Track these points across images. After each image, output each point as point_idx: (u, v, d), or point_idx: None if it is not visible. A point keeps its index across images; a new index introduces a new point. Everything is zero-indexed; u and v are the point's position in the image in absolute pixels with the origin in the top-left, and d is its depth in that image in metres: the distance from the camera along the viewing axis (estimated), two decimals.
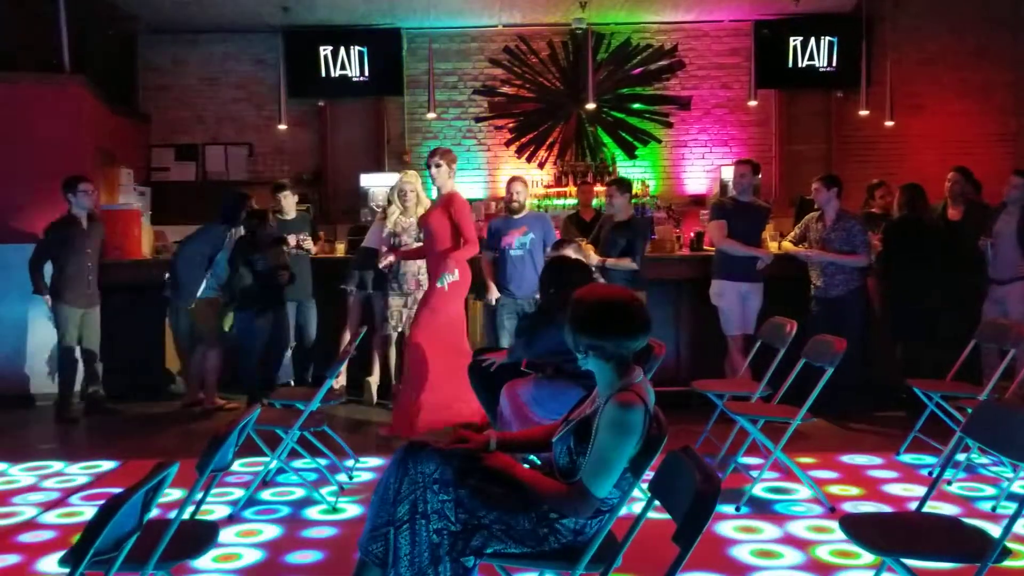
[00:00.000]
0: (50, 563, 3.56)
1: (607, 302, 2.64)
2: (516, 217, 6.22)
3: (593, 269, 4.81)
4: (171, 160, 10.01)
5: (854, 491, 4.47)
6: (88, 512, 4.20)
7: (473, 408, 5.19)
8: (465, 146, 10.18)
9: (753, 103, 9.65)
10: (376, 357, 6.66)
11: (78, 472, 4.93)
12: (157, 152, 9.97)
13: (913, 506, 4.13)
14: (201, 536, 2.60)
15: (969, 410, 3.40)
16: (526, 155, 9.94)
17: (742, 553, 3.64)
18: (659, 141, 9.97)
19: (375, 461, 5.05)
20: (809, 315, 5.94)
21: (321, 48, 9.82)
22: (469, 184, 10.09)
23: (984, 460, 4.71)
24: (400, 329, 6.37)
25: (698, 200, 9.84)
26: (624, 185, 6.40)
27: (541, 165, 9.90)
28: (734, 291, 6.14)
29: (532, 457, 3.13)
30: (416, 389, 5.48)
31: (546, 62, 9.90)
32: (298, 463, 4.70)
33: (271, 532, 3.92)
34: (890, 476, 4.71)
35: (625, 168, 9.78)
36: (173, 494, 3.99)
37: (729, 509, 4.12)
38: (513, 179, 6.39)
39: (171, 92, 10.07)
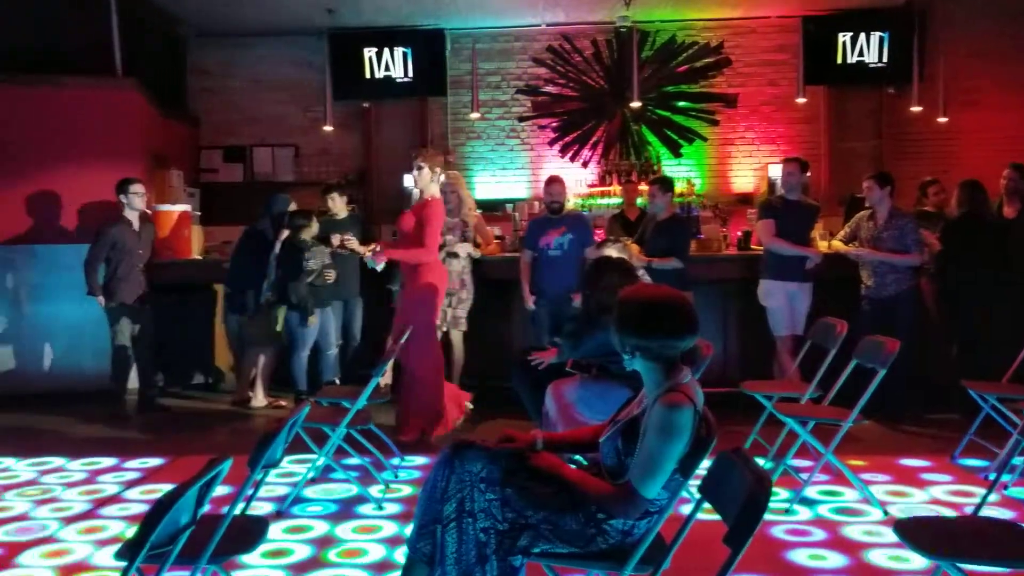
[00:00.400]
0: (104, 556, 3.64)
1: (654, 302, 2.61)
2: (555, 217, 6.20)
3: (639, 270, 4.76)
4: (219, 162, 10.15)
5: (907, 495, 4.39)
6: (141, 507, 4.29)
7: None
8: (508, 146, 10.18)
9: (801, 100, 9.49)
10: None
11: (131, 467, 5.02)
12: (206, 154, 10.12)
13: (969, 510, 4.05)
14: (252, 532, 2.63)
15: None
16: (570, 154, 9.90)
17: (793, 556, 3.60)
18: (705, 139, 9.87)
19: (420, 459, 5.08)
20: (859, 315, 5.83)
21: (365, 50, 9.87)
22: (512, 184, 10.10)
23: None
24: (444, 328, 6.39)
25: (745, 199, 9.71)
26: (666, 184, 6.36)
27: (585, 164, 9.86)
28: (783, 291, 6.05)
29: (578, 457, 3.12)
30: (416, 390, 5.56)
31: (590, 61, 9.85)
32: (344, 460, 4.73)
33: (319, 528, 3.96)
34: (944, 480, 4.61)
35: (670, 167, 9.70)
36: (223, 490, 4.05)
37: (779, 512, 4.07)
38: (551, 179, 6.38)
39: (219, 95, 10.21)
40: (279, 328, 6.55)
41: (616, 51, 9.75)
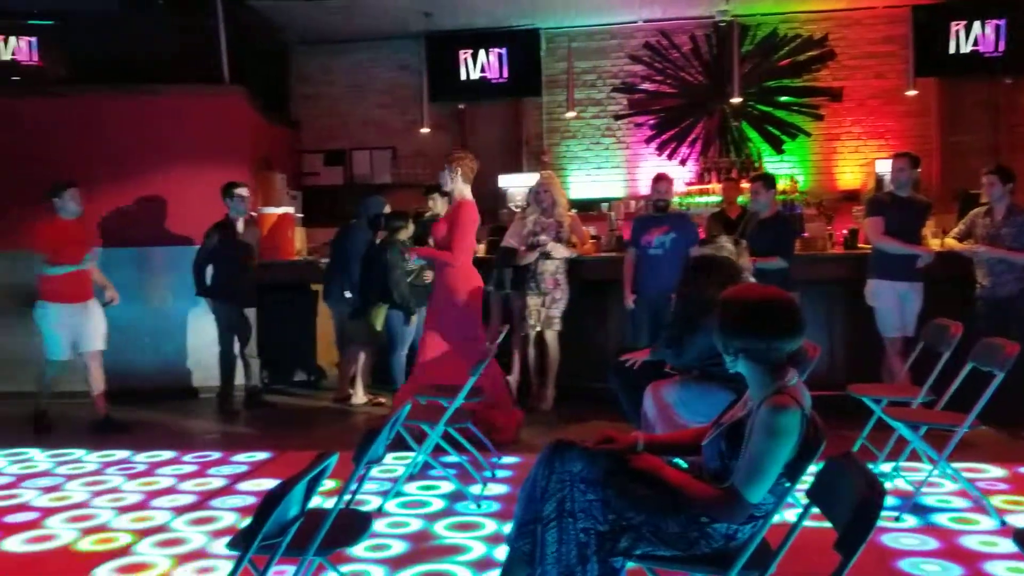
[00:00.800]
0: (217, 546, 3.77)
1: (760, 302, 2.55)
2: (659, 215, 6.12)
3: (747, 271, 4.63)
4: (320, 165, 10.43)
5: None
6: (249, 499, 4.43)
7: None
8: (604, 144, 10.12)
9: (911, 92, 9.12)
10: (516, 356, 6.70)
11: (238, 461, 5.20)
12: (307, 158, 10.41)
13: None
14: (357, 525, 2.68)
15: None
16: (667, 152, 9.77)
17: (905, 565, 3.46)
18: (808, 135, 9.59)
19: (517, 459, 5.09)
20: (973, 316, 5.55)
21: (461, 52, 9.97)
22: (607, 183, 10.03)
23: None
24: (538, 328, 6.39)
25: (851, 195, 9.39)
26: (769, 180, 6.20)
27: (683, 162, 9.71)
28: (892, 291, 5.82)
29: (678, 460, 3.06)
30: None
31: (688, 56, 9.70)
32: (443, 458, 4.78)
33: (417, 524, 4.01)
34: None
35: (772, 163, 9.47)
36: (327, 484, 4.14)
37: (889, 519, 3.92)
38: (658, 177, 6.30)
39: (320, 100, 10.48)
40: (379, 327, 6.68)
41: (715, 46, 9.59)
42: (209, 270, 6.59)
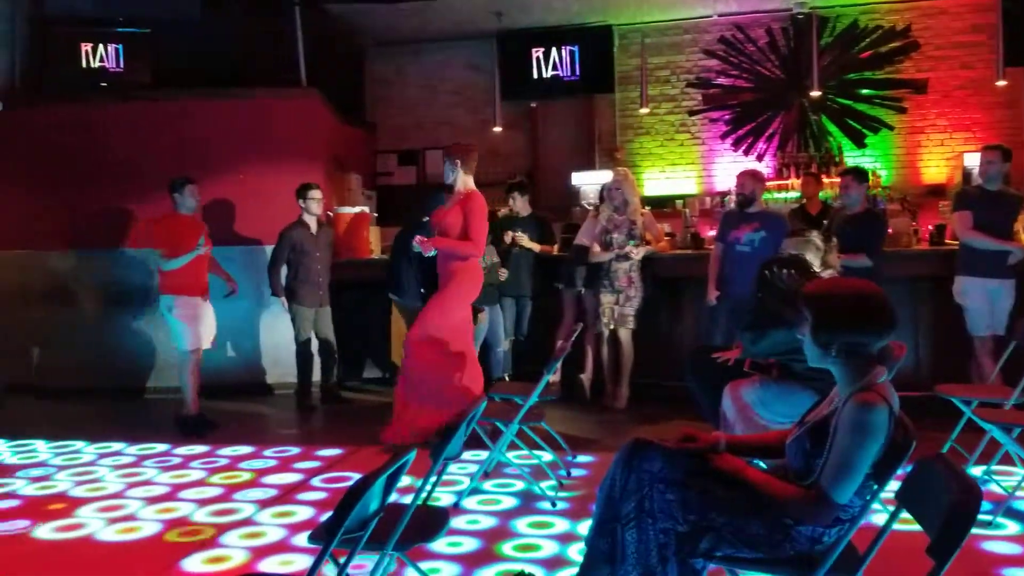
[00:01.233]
0: (298, 540, 3.83)
1: (854, 296, 2.50)
2: (750, 212, 5.96)
3: (828, 269, 4.51)
4: (394, 165, 10.56)
5: None
6: (327, 494, 4.50)
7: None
8: (678, 140, 10.00)
9: (1001, 83, 8.76)
10: (589, 355, 6.67)
11: (316, 456, 5.29)
12: (382, 158, 10.55)
13: None
14: (435, 521, 2.69)
15: None
16: (743, 148, 9.60)
17: (1002, 572, 3.32)
18: (891, 128, 9.30)
19: (591, 457, 5.06)
20: None
21: (533, 50, 9.97)
22: (682, 180, 9.91)
23: None
24: (612, 327, 6.35)
25: (936, 190, 9.08)
26: (861, 175, 6.01)
27: (760, 157, 9.53)
28: (981, 289, 5.59)
29: (758, 462, 3.00)
30: (413, 393, 5.35)
31: (765, 50, 9.51)
32: (516, 456, 4.78)
33: (491, 522, 4.01)
34: None
35: (853, 158, 9.21)
36: (403, 480, 4.18)
37: (982, 524, 3.77)
38: (744, 172, 6.13)
39: (394, 101, 10.61)
40: None
41: (793, 39, 9.39)
42: (284, 270, 6.72)
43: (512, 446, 4.63)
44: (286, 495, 4.52)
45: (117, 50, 8.39)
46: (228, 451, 5.42)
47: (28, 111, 7.73)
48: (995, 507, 3.95)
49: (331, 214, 7.40)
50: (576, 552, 3.57)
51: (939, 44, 9.30)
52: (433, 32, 9.91)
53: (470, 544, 3.73)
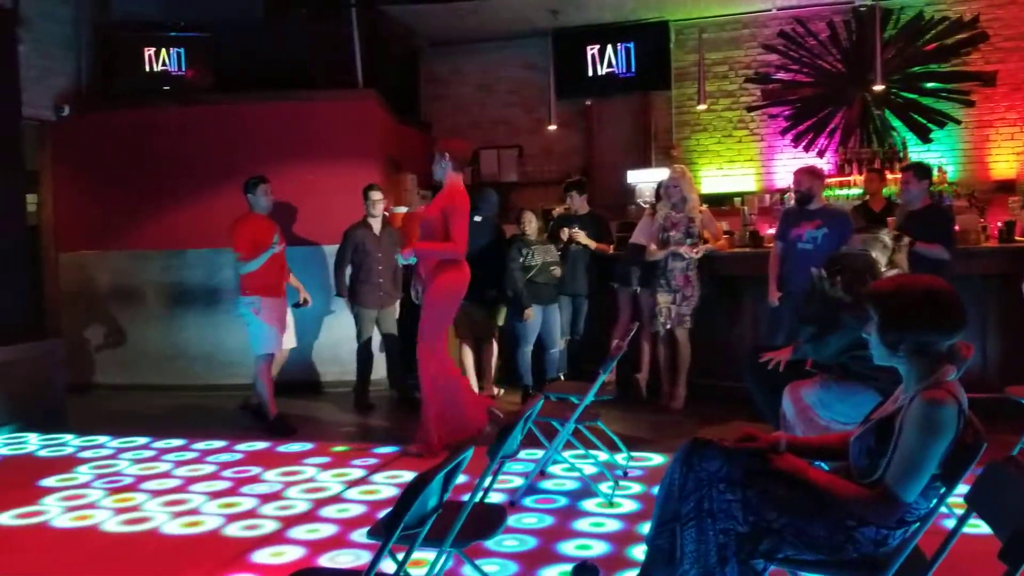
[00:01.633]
0: (356, 535, 3.87)
1: (918, 293, 2.44)
2: (811, 209, 5.82)
3: (894, 269, 4.40)
4: None
5: None
6: (385, 491, 4.54)
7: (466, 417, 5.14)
8: (736, 137, 9.85)
9: None
10: (645, 354, 6.62)
11: (373, 454, 5.33)
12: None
13: None
14: (492, 519, 2.70)
15: None
16: (803, 143, 9.42)
17: None
18: (958, 122, 9.04)
19: (648, 457, 5.02)
20: None
21: (588, 48, 9.92)
22: (740, 177, 9.77)
23: None
24: (668, 326, 6.28)
25: (1005, 186, 8.78)
26: (922, 170, 5.84)
27: (821, 153, 9.34)
28: None
29: (820, 464, 2.94)
30: (429, 403, 5.21)
31: (826, 44, 9.32)
32: (572, 455, 4.76)
33: (548, 521, 4.00)
34: None
35: (918, 152, 8.97)
36: (460, 478, 4.19)
37: None
38: (800, 169, 6.01)
39: (449, 101, 10.65)
40: (501, 324, 6.74)
41: (855, 32, 9.18)
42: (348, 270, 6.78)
43: (568, 445, 4.61)
44: (343, 492, 4.57)
45: (179, 54, 8.56)
46: (287, 448, 5.49)
47: (94, 115, 7.96)
48: None
49: (387, 214, 7.46)
50: (635, 552, 3.54)
51: (1008, 35, 9.00)
52: (488, 31, 9.93)
53: (527, 542, 3.72)
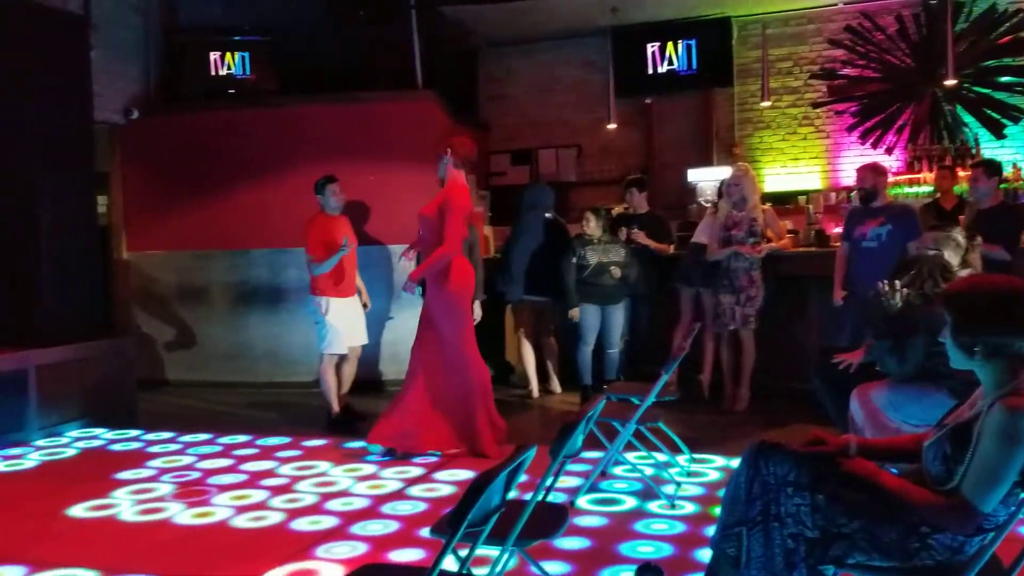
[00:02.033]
0: (418, 533, 3.88)
1: (991, 293, 2.36)
2: (875, 207, 5.69)
3: (966, 269, 4.26)
4: (507, 165, 10.60)
5: None
6: (447, 489, 4.55)
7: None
8: (801, 134, 9.67)
9: None
10: (708, 356, 6.53)
11: (436, 452, 5.35)
12: (495, 158, 10.61)
13: None
14: (555, 518, 2.68)
15: None
16: (871, 140, 9.20)
17: None
18: None
19: (711, 459, 4.95)
20: None
21: (648, 45, 9.83)
22: (805, 175, 9.58)
23: None
24: (732, 327, 6.19)
25: None
26: (992, 168, 5.67)
27: (889, 151, 9.11)
28: None
29: (890, 467, 2.86)
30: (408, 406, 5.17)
31: (894, 38, 9.08)
32: (633, 456, 4.71)
33: (609, 522, 3.97)
34: None
35: (991, 149, 8.68)
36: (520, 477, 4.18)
37: None
38: (863, 166, 5.88)
39: (507, 101, 10.65)
40: (561, 323, 6.71)
41: (925, 25, 8.94)
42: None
43: (629, 446, 4.57)
44: (404, 489, 4.60)
45: (243, 58, 8.74)
46: (350, 444, 5.54)
47: (162, 118, 8.17)
48: None
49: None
50: (700, 554, 3.48)
51: None
52: (546, 30, 9.91)
53: (588, 543, 3.69)
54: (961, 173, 7.69)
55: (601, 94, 9.95)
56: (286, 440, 5.74)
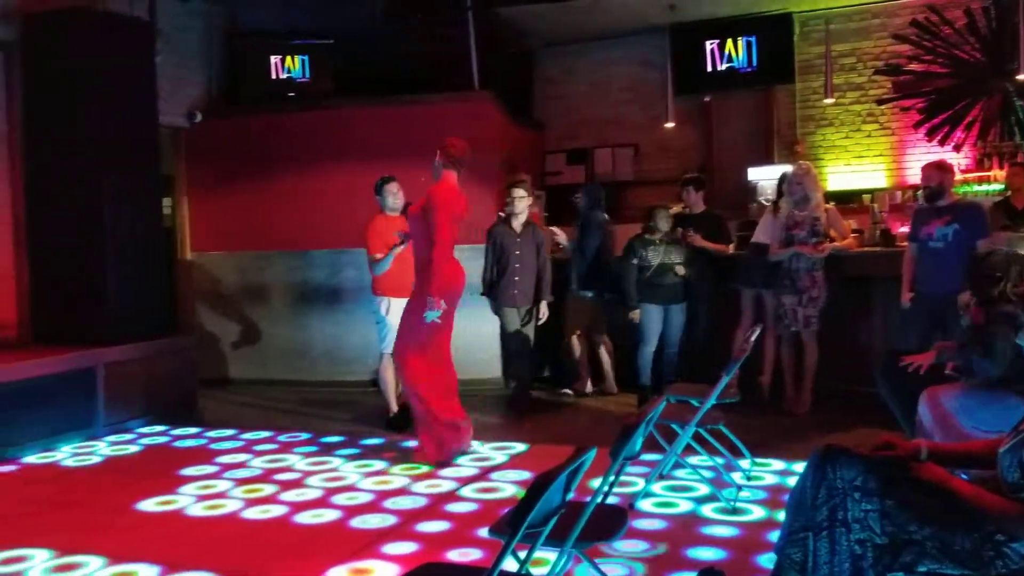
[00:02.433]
0: (475, 532, 3.87)
1: None
2: (941, 206, 5.53)
3: None
4: (563, 164, 10.54)
5: None
6: (506, 489, 4.55)
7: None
8: (865, 131, 9.43)
9: None
10: (768, 357, 6.41)
11: (494, 452, 5.35)
12: (550, 158, 10.56)
13: None
14: (614, 520, 2.65)
15: None
16: (938, 137, 8.93)
17: None
18: None
19: (772, 463, 4.86)
20: None
21: (707, 42, 9.69)
22: (869, 173, 9.35)
23: None
24: (794, 328, 6.07)
25: None
26: None
27: (957, 148, 8.83)
28: None
29: (961, 474, 2.77)
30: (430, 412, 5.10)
31: (963, 32, 8.80)
32: (693, 459, 4.64)
33: (669, 525, 3.92)
34: None
35: None
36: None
37: None
38: (928, 164, 5.72)
39: (563, 101, 10.60)
40: (620, 323, 6.66)
41: (995, 19, 8.64)
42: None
43: (688, 449, 4.50)
44: (458, 489, 4.61)
45: (303, 61, 8.87)
46: (408, 443, 5.57)
47: (223, 122, 8.33)
48: None
49: (501, 215, 7.48)
50: (762, 560, 3.42)
51: None
52: (602, 29, 9.83)
53: (647, 546, 3.64)
54: None
55: (658, 92, 9.85)
56: (343, 438, 5.79)
